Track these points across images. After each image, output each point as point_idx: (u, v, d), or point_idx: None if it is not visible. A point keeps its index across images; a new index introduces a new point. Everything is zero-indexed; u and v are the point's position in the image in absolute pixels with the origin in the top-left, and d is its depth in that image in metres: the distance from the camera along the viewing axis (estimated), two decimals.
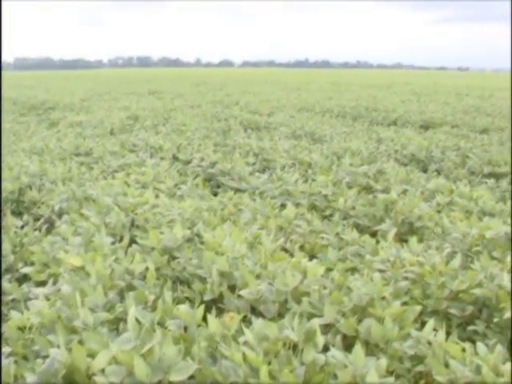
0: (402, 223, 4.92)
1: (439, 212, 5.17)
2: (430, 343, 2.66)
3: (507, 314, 3.06)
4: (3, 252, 4.02)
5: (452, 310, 3.30)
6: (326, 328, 2.87)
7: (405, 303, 3.22)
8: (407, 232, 4.82)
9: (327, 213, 5.35)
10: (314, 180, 6.18)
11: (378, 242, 4.17)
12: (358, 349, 2.37)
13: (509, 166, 7.71)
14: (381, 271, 3.58)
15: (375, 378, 2.22)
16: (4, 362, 2.45)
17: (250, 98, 20.38)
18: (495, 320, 3.18)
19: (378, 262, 3.70)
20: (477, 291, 3.31)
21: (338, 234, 4.39)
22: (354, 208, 5.23)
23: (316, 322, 2.64)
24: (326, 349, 2.57)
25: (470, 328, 3.22)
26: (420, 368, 2.61)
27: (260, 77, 48.98)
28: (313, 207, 5.50)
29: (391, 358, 2.68)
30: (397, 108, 16.41)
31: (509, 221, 4.69)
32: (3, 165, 6.63)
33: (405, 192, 5.76)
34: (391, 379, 2.29)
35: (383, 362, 2.39)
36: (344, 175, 6.48)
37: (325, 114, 14.90)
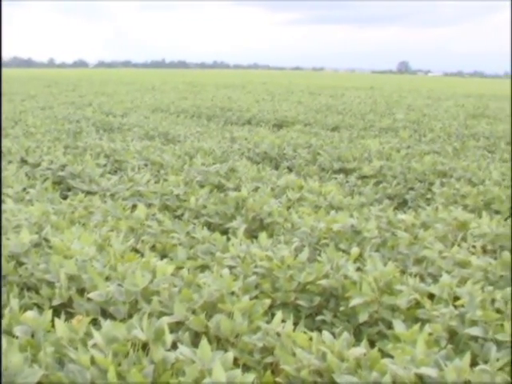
0: (253, 220, 5.01)
1: (289, 208, 5.29)
2: (278, 334, 2.73)
3: (353, 303, 3.18)
4: None
5: (300, 302, 3.40)
6: (178, 326, 2.88)
7: (255, 297, 3.29)
8: (258, 228, 4.91)
9: (179, 212, 5.37)
10: (165, 180, 6.17)
11: (228, 239, 4.22)
12: (205, 344, 2.40)
13: (357, 161, 8.01)
14: (231, 267, 3.63)
15: (221, 371, 2.25)
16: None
17: (104, 98, 20.10)
18: (342, 309, 3.31)
19: (228, 259, 3.75)
20: (324, 282, 3.43)
21: (189, 232, 4.41)
22: (205, 207, 5.26)
23: (165, 321, 2.64)
24: (177, 347, 2.58)
25: (319, 318, 3.32)
26: (269, 359, 2.67)
27: (115, 77, 48.41)
28: (165, 207, 5.50)
29: (241, 351, 2.72)
30: (251, 107, 16.69)
31: (355, 214, 4.87)
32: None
33: (256, 189, 5.85)
34: (238, 371, 2.33)
35: (230, 355, 2.43)
36: (196, 174, 6.52)
37: (180, 115, 14.92)
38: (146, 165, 7.40)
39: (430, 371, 2.38)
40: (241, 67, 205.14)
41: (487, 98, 27.31)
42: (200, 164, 6.96)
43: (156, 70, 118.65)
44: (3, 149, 8.17)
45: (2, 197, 5.32)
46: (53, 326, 2.67)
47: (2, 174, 6.41)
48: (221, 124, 13.02)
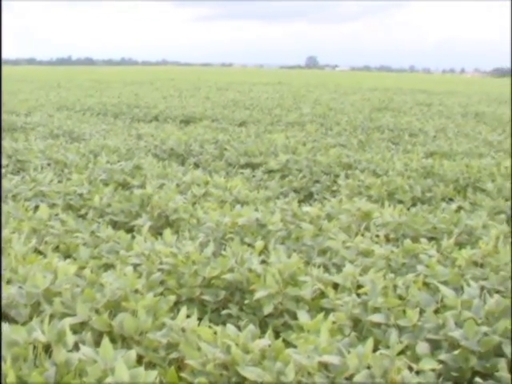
0: (159, 217, 4.99)
1: (195, 203, 5.29)
2: (183, 330, 2.73)
3: (257, 295, 3.22)
4: None
5: (205, 297, 3.41)
6: (82, 326, 2.85)
7: (160, 294, 3.27)
8: (164, 225, 4.88)
9: (83, 212, 5.28)
10: (69, 179, 6.06)
11: (133, 237, 4.18)
12: (106, 343, 2.37)
13: (263, 156, 8.07)
14: (135, 265, 3.60)
15: (124, 369, 2.24)
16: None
17: (7, 97, 19.54)
18: (247, 302, 3.34)
19: (132, 257, 3.73)
20: (228, 276, 3.45)
21: (93, 232, 4.36)
22: (110, 205, 5.20)
23: (67, 322, 2.61)
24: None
25: (224, 312, 3.34)
26: (174, 355, 2.67)
27: (19, 75, 47.07)
28: (68, 207, 5.40)
29: (146, 348, 2.71)
30: (158, 104, 16.61)
31: (260, 207, 4.92)
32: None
33: (161, 186, 5.81)
34: (141, 369, 2.32)
35: (132, 353, 2.42)
36: (100, 173, 6.43)
37: (85, 113, 14.69)
38: (49, 164, 7.26)
39: (332, 358, 2.43)
40: (149, 63, 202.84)
41: (392, 92, 27.98)
42: (105, 162, 6.87)
43: (62, 67, 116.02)
44: None
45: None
46: None
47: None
48: (127, 121, 12.94)
